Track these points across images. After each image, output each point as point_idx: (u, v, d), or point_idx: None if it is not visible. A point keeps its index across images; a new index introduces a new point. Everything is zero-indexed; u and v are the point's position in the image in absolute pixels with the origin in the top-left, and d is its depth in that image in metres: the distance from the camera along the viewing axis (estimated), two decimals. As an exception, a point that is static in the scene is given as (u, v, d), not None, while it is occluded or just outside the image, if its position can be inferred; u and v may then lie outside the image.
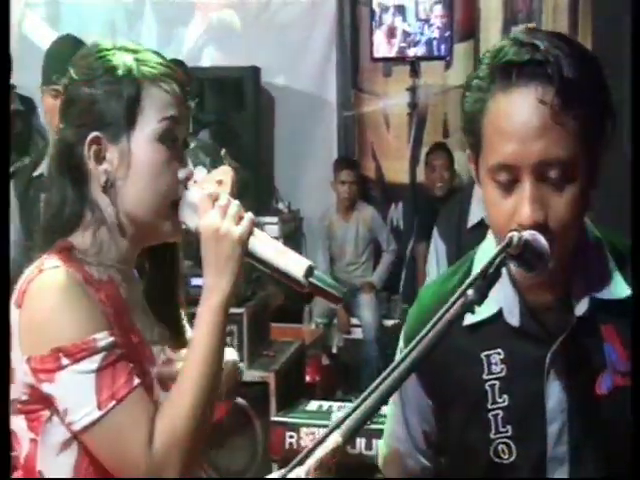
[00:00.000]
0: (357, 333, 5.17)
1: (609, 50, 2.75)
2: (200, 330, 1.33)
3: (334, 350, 5.14)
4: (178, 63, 1.48)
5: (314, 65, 5.87)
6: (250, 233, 1.33)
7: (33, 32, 6.15)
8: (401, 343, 1.48)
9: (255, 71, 5.60)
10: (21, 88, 4.64)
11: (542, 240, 1.20)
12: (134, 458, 1.26)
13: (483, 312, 1.29)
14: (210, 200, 1.34)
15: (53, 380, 1.25)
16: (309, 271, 1.30)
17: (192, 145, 1.84)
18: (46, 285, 1.28)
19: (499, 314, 1.34)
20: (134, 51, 1.38)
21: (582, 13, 5.18)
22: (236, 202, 1.35)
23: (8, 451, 1.58)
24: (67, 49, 2.82)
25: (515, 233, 1.17)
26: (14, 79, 4.70)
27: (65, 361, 1.24)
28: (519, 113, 1.22)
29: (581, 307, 1.31)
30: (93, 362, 1.25)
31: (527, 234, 1.19)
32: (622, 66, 2.57)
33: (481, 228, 2.66)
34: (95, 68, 1.36)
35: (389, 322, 5.21)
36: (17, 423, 1.34)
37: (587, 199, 1.27)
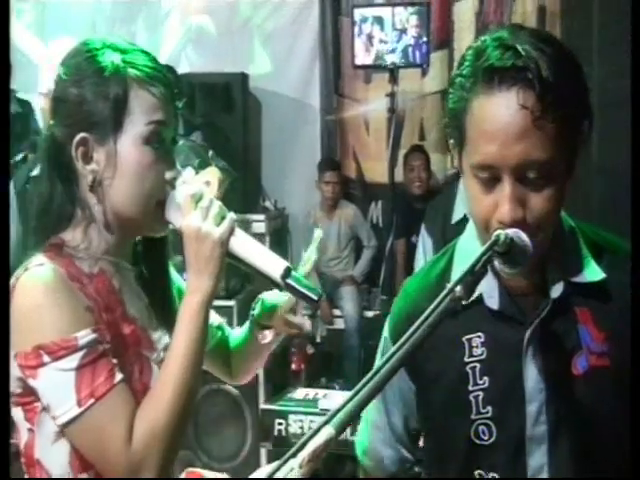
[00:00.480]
0: (339, 323, 5.19)
1: (577, 54, 2.74)
2: (182, 327, 1.28)
3: (318, 340, 5.14)
4: (166, 68, 1.40)
5: (299, 72, 5.86)
6: (231, 233, 1.30)
7: (21, 40, 6.10)
8: (386, 332, 1.45)
9: (244, 77, 5.60)
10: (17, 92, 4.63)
11: (525, 238, 1.19)
12: (114, 454, 1.21)
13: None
14: (193, 201, 1.29)
15: (36, 376, 1.22)
16: (286, 272, 1.27)
17: (183, 145, 1.79)
18: (29, 283, 1.24)
19: (480, 299, 1.32)
20: (123, 51, 1.31)
21: (549, 27, 5.17)
22: (218, 203, 1.31)
23: (8, 451, 1.54)
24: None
25: (501, 232, 1.16)
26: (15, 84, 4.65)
27: (46, 358, 1.20)
28: (501, 116, 1.20)
29: (556, 290, 1.30)
30: (73, 360, 1.20)
31: (512, 232, 1.17)
32: (589, 77, 2.57)
33: (464, 223, 2.67)
34: (84, 69, 1.30)
35: (369, 313, 5.23)
36: (16, 414, 1.30)
37: (563, 195, 1.26)
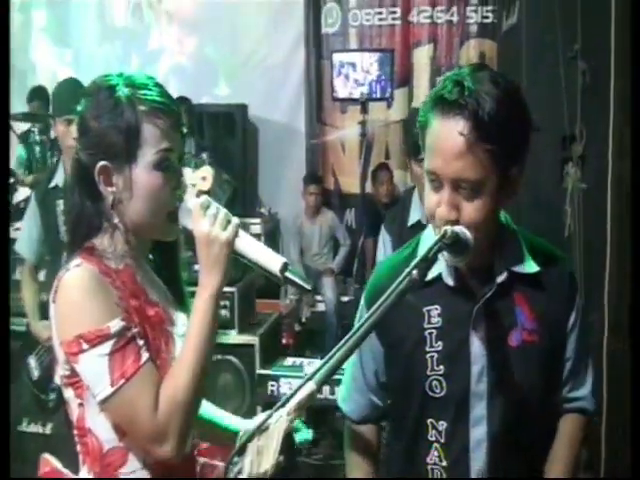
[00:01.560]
0: (321, 307, 5.15)
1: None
2: (196, 317, 1.24)
3: (303, 320, 5.10)
4: (176, 100, 1.36)
5: (288, 103, 5.81)
6: (235, 236, 1.25)
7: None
8: (362, 301, 1.43)
9: (243, 107, 5.57)
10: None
11: (467, 234, 1.19)
12: (142, 423, 1.19)
13: (428, 275, 1.26)
14: (202, 209, 1.25)
15: (77, 361, 1.20)
16: (284, 267, 1.24)
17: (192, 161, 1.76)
18: (70, 282, 1.22)
19: (439, 277, 1.32)
20: (136, 86, 1.26)
21: (496, 69, 5.18)
22: (224, 210, 1.27)
23: (8, 451, 1.52)
24: (70, 88, 2.73)
25: (449, 227, 1.16)
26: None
27: (85, 346, 1.18)
28: (444, 138, 1.19)
29: (501, 277, 1.30)
30: (107, 346, 1.18)
31: (457, 229, 1.18)
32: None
33: (418, 226, 2.68)
34: (103, 106, 1.25)
35: (345, 298, 5.20)
36: (67, 392, 1.28)
37: (495, 207, 1.25)
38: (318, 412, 3.29)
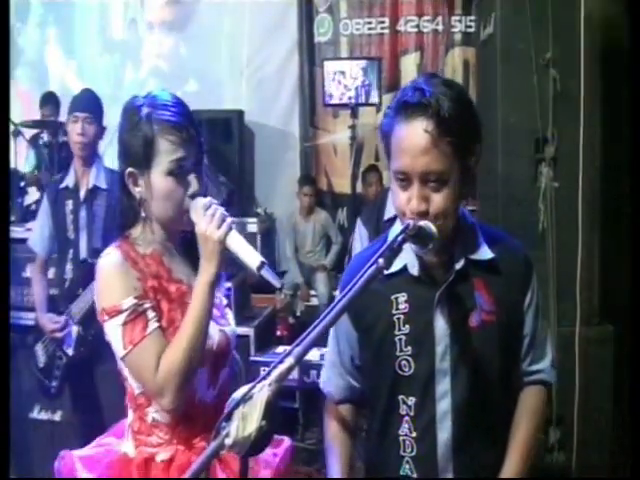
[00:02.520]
0: (314, 301, 5.18)
1: (487, 95, 2.83)
2: (195, 299, 1.41)
3: (298, 313, 5.13)
4: (188, 116, 1.49)
5: (283, 109, 5.86)
6: (227, 234, 1.39)
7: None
8: (337, 291, 1.51)
9: (240, 113, 5.59)
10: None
11: (432, 227, 1.25)
12: (146, 380, 1.40)
13: (394, 267, 1.32)
14: (203, 209, 1.40)
15: (104, 328, 1.43)
16: (261, 265, 1.36)
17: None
18: (100, 266, 1.44)
19: (404, 268, 1.38)
20: (157, 106, 1.43)
21: (471, 74, 5.26)
22: (221, 210, 1.41)
23: (8, 450, 1.59)
24: (83, 95, 2.91)
25: (412, 221, 1.22)
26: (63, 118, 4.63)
27: (106, 317, 1.40)
28: (411, 137, 1.26)
29: (459, 264, 1.36)
30: (120, 318, 1.39)
31: (422, 222, 1.23)
32: (494, 110, 2.69)
33: (393, 221, 2.74)
34: (129, 122, 1.44)
35: (337, 293, 5.15)
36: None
37: (459, 195, 1.32)
38: (311, 398, 3.34)
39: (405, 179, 1.28)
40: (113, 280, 1.41)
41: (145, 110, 1.42)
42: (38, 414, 3.36)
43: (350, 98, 5.10)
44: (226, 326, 1.55)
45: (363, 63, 5.22)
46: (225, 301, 1.59)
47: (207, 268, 1.40)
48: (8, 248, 1.77)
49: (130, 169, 1.44)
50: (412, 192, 1.27)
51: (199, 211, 1.40)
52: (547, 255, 2.65)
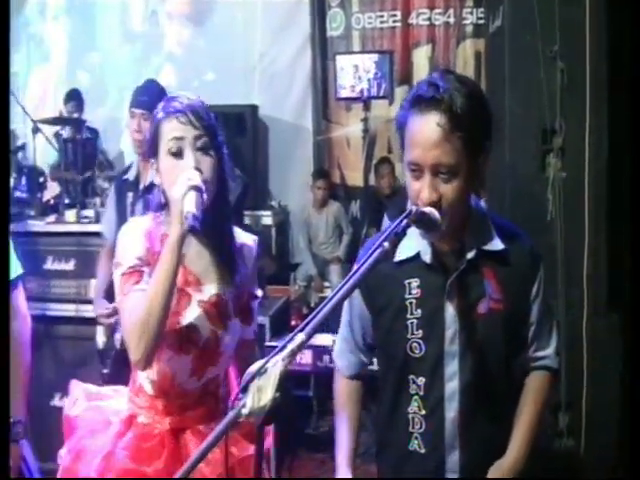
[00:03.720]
0: (328, 292, 5.16)
1: (496, 87, 2.87)
2: (162, 255, 1.47)
3: (312, 304, 5.14)
4: (192, 106, 1.55)
5: (296, 103, 5.87)
6: (184, 195, 1.44)
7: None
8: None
9: (254, 107, 5.62)
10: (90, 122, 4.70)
11: (435, 213, 1.29)
12: (124, 330, 1.51)
13: (407, 253, 1.40)
14: (184, 178, 1.46)
15: (114, 278, 1.55)
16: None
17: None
18: (127, 224, 1.62)
19: (417, 255, 1.43)
20: (167, 100, 1.56)
21: (484, 66, 5.26)
22: (196, 176, 1.45)
23: (8, 450, 1.68)
24: (143, 85, 2.97)
25: (414, 207, 1.27)
26: (85, 115, 4.75)
27: (114, 268, 1.55)
28: (424, 130, 1.30)
29: (471, 253, 1.41)
30: (120, 270, 1.53)
31: (426, 209, 1.28)
32: (501, 103, 2.73)
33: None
34: (154, 118, 1.57)
35: (350, 283, 5.22)
36: None
37: (469, 187, 1.36)
38: (324, 386, 3.41)
39: (417, 170, 1.32)
40: (128, 239, 1.55)
41: (160, 105, 1.56)
42: (59, 401, 3.42)
43: (362, 91, 5.12)
44: (220, 329, 1.56)
45: (375, 56, 5.24)
46: (231, 305, 1.59)
47: (172, 228, 1.45)
48: (8, 250, 1.85)
49: (152, 160, 1.56)
50: (424, 182, 1.31)
51: (181, 178, 1.46)
52: (555, 245, 2.69)
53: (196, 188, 1.43)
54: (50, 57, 6.39)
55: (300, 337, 1.03)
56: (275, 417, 1.00)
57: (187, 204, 1.41)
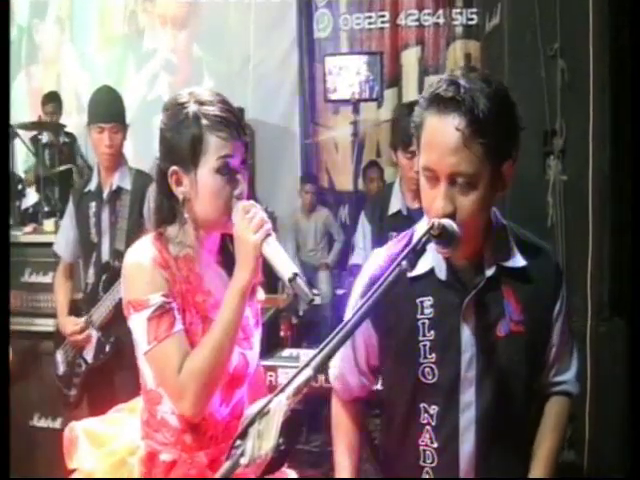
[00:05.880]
0: (317, 300, 5.12)
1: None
2: (225, 305, 1.35)
3: (301, 313, 5.05)
4: (235, 112, 1.43)
5: (283, 106, 5.82)
6: (263, 240, 1.32)
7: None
8: (356, 289, 1.42)
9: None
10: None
11: (455, 226, 1.18)
12: (167, 380, 1.36)
13: (421, 268, 1.27)
14: (243, 212, 1.34)
15: (129, 321, 1.37)
16: (293, 277, 1.28)
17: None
18: (130, 257, 1.39)
19: (431, 271, 1.31)
20: (202, 102, 1.38)
21: (481, 67, 5.19)
22: (262, 214, 1.34)
23: (8, 450, 1.56)
24: (104, 97, 2.75)
25: (436, 220, 1.16)
26: (63, 120, 4.73)
27: (132, 310, 1.36)
28: (441, 134, 1.19)
29: (490, 270, 1.30)
30: (146, 313, 1.34)
31: (445, 221, 1.17)
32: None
33: (397, 216, 2.69)
34: (175, 119, 1.38)
35: (340, 291, 5.16)
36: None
37: (489, 200, 1.24)
38: (316, 401, 3.28)
39: (432, 177, 1.21)
40: (143, 273, 1.36)
41: (192, 107, 1.37)
42: (38, 421, 3.30)
43: (352, 94, 5.04)
44: (247, 350, 1.47)
45: (365, 58, 5.18)
46: (252, 321, 1.50)
47: (241, 274, 1.34)
48: (8, 252, 1.70)
49: (174, 167, 1.38)
50: (438, 191, 1.20)
51: (240, 213, 1.34)
52: (556, 249, 2.59)
53: (269, 230, 1.34)
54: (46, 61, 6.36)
55: (307, 373, 0.93)
56: (278, 467, 0.87)
57: (281, 260, 1.30)
